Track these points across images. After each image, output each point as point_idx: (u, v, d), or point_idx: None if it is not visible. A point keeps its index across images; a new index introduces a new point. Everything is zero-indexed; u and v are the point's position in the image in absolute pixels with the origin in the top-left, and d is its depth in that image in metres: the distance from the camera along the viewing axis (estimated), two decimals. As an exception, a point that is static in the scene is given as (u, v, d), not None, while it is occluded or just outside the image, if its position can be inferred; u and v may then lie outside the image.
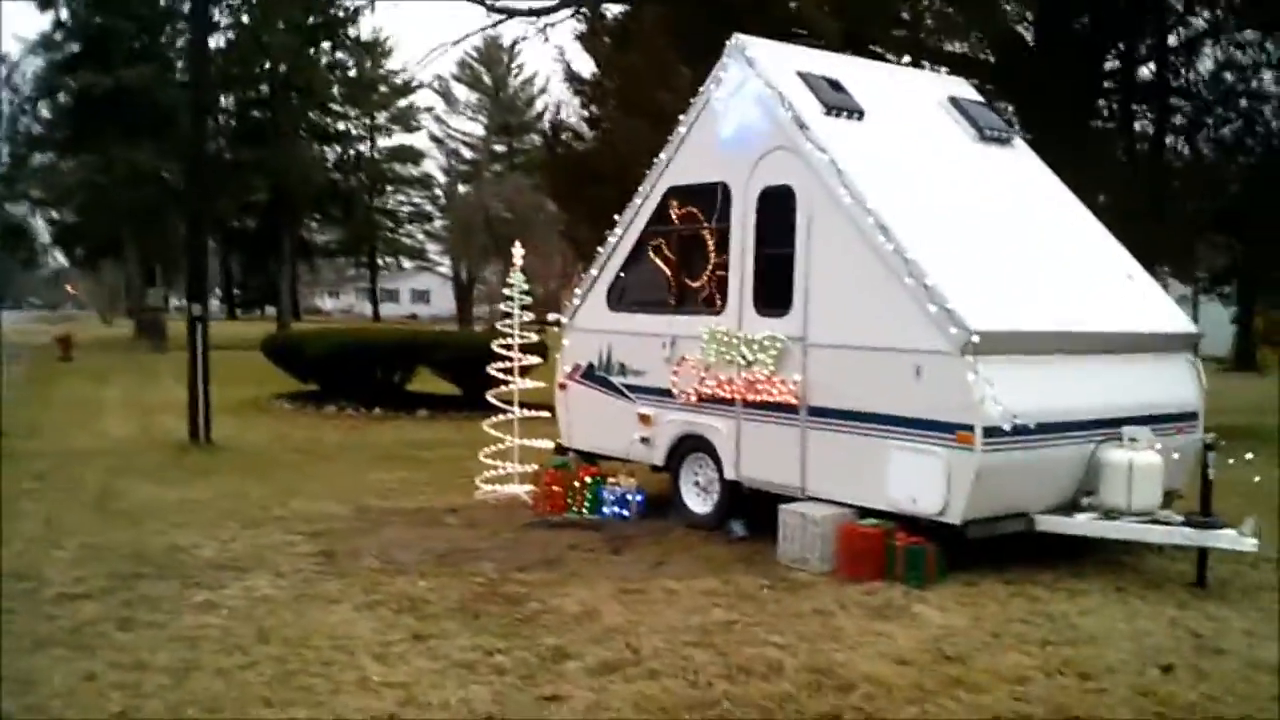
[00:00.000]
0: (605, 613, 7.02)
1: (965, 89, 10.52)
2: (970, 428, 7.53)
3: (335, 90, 48.88)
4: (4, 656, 6.05)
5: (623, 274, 10.53)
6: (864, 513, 8.19)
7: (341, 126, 52.02)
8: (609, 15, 19.39)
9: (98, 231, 45.64)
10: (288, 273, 49.11)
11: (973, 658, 6.14)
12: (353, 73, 50.78)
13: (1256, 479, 9.17)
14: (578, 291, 11.16)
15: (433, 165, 71.53)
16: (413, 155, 71.10)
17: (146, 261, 43.48)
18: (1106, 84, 19.62)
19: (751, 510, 9.19)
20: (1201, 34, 18.42)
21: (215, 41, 44.12)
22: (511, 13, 25.31)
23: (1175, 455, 8.17)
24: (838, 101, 8.97)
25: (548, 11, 23.61)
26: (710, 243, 9.53)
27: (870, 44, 14.50)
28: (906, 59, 16.91)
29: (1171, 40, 18.66)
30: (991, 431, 7.51)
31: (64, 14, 41.17)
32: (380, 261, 74.48)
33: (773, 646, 6.31)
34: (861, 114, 9.07)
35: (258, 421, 18.26)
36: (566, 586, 7.68)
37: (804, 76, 9.05)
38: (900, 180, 8.64)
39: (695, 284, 9.73)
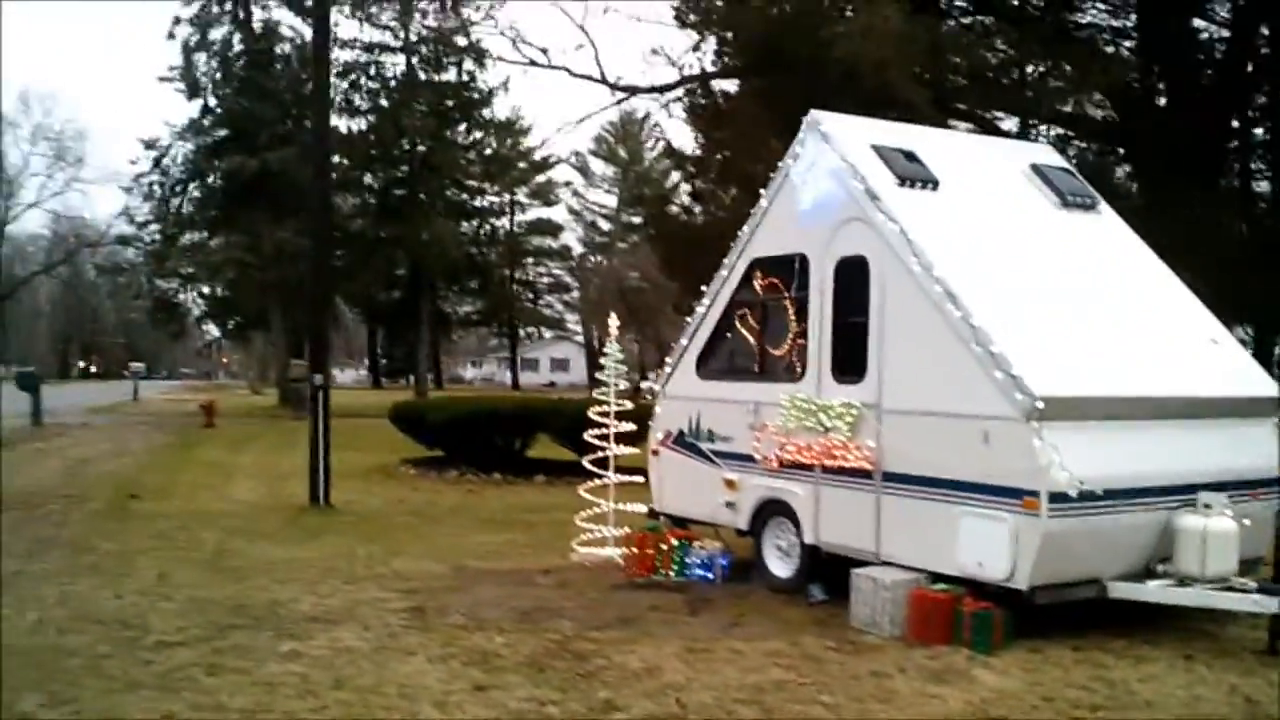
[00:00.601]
0: (666, 670, 7.22)
1: (1050, 156, 10.61)
2: (1036, 493, 7.56)
3: (472, 168, 50.46)
4: (99, 698, 6.53)
5: (710, 343, 10.82)
6: (935, 578, 8.23)
7: (479, 202, 53.58)
8: (713, 92, 19.86)
9: (246, 306, 47.87)
10: (426, 342, 50.65)
11: (1004, 717, 6.17)
12: (489, 151, 52.39)
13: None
14: (669, 360, 11.47)
15: (572, 237, 73.20)
16: (551, 228, 73.02)
17: (291, 334, 45.31)
18: (1232, 143, 19.36)
19: (831, 574, 9.27)
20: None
21: (357, 124, 46.54)
22: (634, 90, 26.12)
23: (1249, 521, 8.01)
24: (911, 172, 9.16)
25: (667, 89, 24.31)
26: (791, 312, 9.77)
27: (969, 112, 14.64)
28: (1014, 123, 16.98)
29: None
30: (1057, 497, 7.52)
31: (211, 100, 43.61)
32: (520, 331, 76.20)
33: (820, 705, 6.44)
34: (936, 184, 9.23)
35: (380, 486, 18.94)
36: (636, 644, 7.90)
37: (878, 149, 9.28)
38: (972, 248, 8.77)
39: (777, 352, 9.97)
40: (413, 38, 45.40)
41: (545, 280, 77.32)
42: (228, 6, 44.14)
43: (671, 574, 10.41)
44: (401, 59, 46.10)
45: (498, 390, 67.96)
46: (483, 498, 17.40)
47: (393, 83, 46.06)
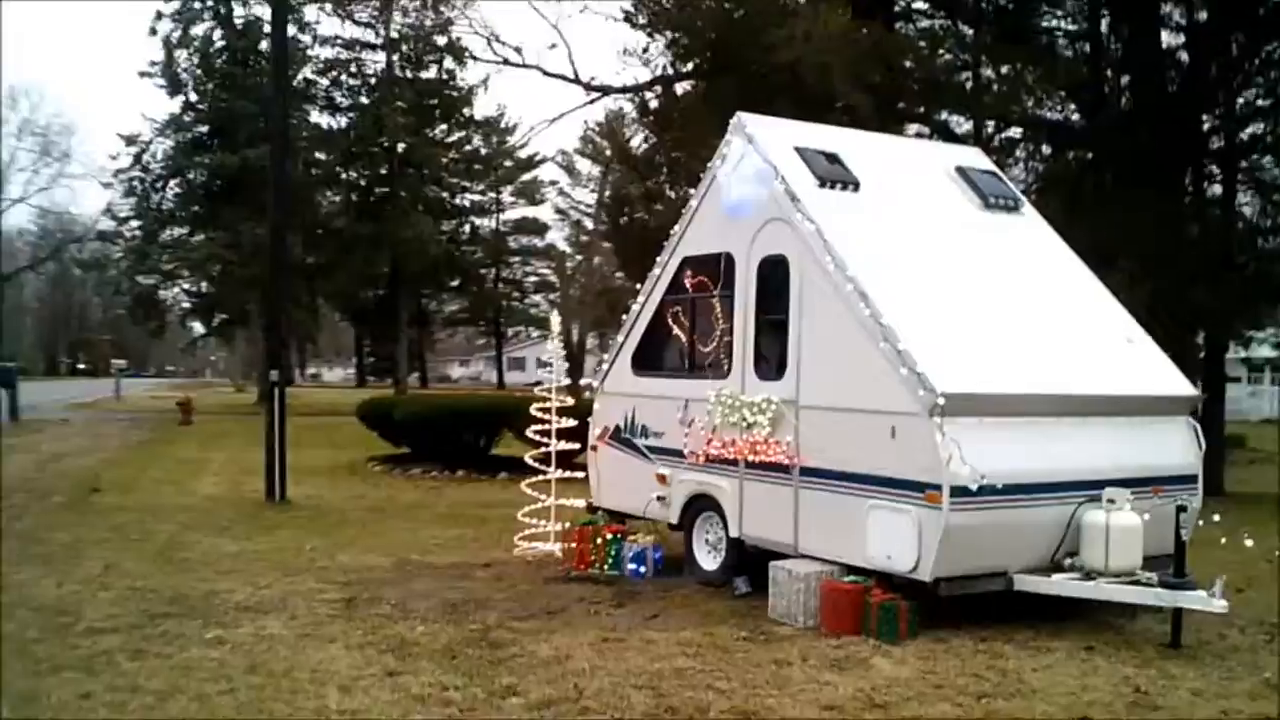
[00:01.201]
0: (576, 658, 7.42)
1: (976, 159, 10.82)
2: (938, 487, 7.77)
3: (452, 166, 50.61)
4: (21, 678, 6.72)
5: (645, 340, 11.02)
6: (849, 570, 8.44)
7: (459, 200, 53.74)
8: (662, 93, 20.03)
9: (228, 302, 47.97)
10: (405, 341, 50.80)
11: (899, 706, 6.39)
12: (470, 149, 52.51)
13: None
14: (605, 357, 11.66)
15: (559, 236, 73.24)
16: (537, 227, 73.02)
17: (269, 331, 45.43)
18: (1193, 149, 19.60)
19: (757, 568, 9.47)
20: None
21: (338, 121, 46.65)
22: (606, 90, 26.28)
23: (1148, 517, 8.17)
24: (832, 174, 9.37)
25: (638, 89, 24.50)
26: (718, 310, 9.97)
27: (917, 115, 14.83)
28: (969, 126, 17.18)
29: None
30: (958, 491, 7.73)
31: (193, 96, 43.70)
32: (507, 330, 76.24)
33: (714, 691, 6.65)
34: (857, 185, 9.44)
35: (344, 482, 19.11)
36: (553, 634, 8.10)
37: (800, 151, 9.48)
38: (888, 248, 8.98)
39: (705, 349, 10.16)
40: (393, 35, 45.46)
41: (532, 280, 77.44)
42: (209, 2, 44.22)
43: (606, 568, 10.61)
44: (382, 56, 46.21)
45: (483, 389, 68.08)
46: (442, 494, 17.57)
47: (373, 80, 46.17)
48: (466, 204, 55.80)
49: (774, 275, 9.30)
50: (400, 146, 46.35)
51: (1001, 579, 8.18)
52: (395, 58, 46.15)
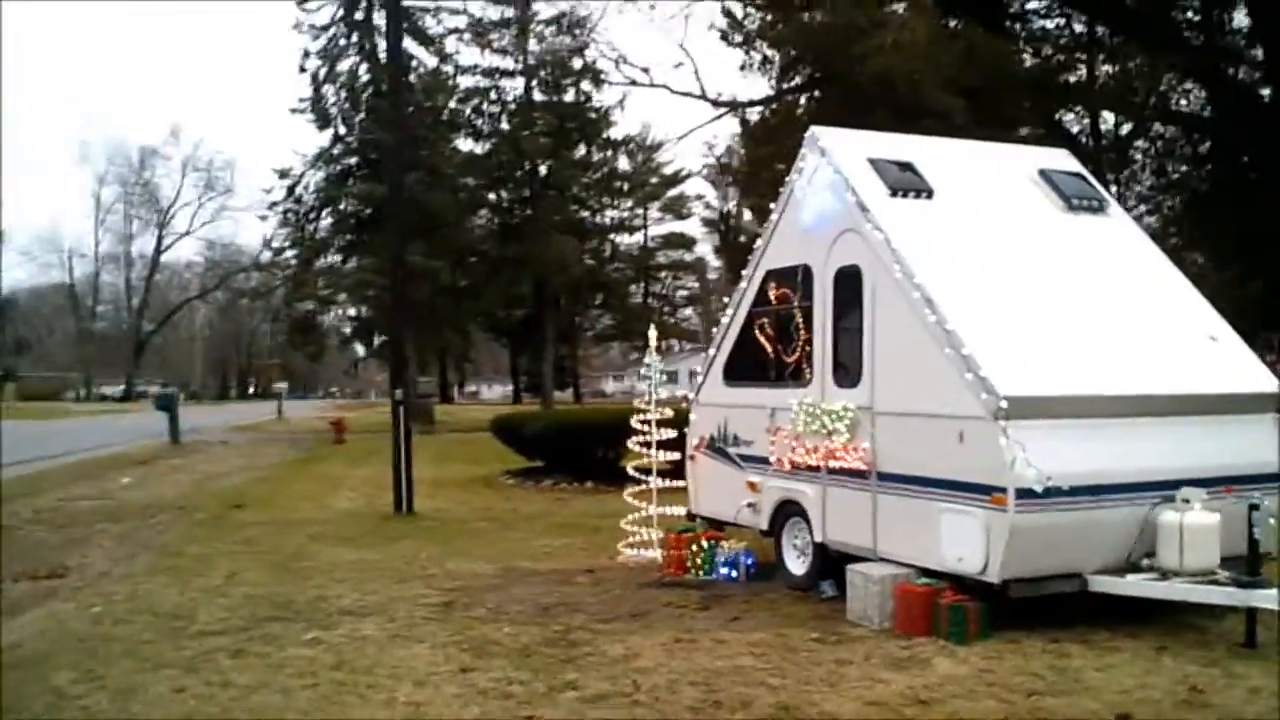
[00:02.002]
0: (644, 657, 7.72)
1: (1061, 160, 10.77)
2: (1003, 490, 7.84)
3: (592, 186, 51.54)
4: (125, 676, 7.34)
5: (734, 351, 11.28)
6: (924, 573, 8.54)
7: (599, 219, 54.72)
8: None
9: (383, 325, 49.78)
10: (550, 358, 51.83)
11: (944, 703, 6.51)
12: (610, 169, 53.39)
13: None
14: (698, 369, 11.94)
15: (707, 249, 73.65)
16: (684, 242, 73.64)
17: (421, 352, 46.89)
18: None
19: (842, 572, 9.62)
20: None
21: (481, 147, 47.98)
22: (732, 105, 26.67)
23: (1272, 517, 8.06)
24: (904, 183, 9.48)
25: (760, 103, 24.79)
26: (799, 320, 10.17)
27: (1013, 118, 14.66)
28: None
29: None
30: (1024, 493, 7.78)
31: (341, 129, 45.52)
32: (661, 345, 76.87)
33: (765, 687, 6.87)
34: (930, 193, 9.54)
35: (474, 495, 19.75)
36: (631, 636, 8.41)
37: (873, 161, 9.63)
38: (960, 255, 9.05)
39: (788, 359, 10.36)
40: (530, 61, 46.55)
41: (682, 294, 78.09)
42: (354, 39, 46.00)
43: (700, 573, 10.89)
44: (520, 82, 47.35)
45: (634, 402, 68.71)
46: (566, 505, 18.03)
47: (512, 106, 47.32)
48: (607, 222, 56.68)
49: (849, 285, 9.47)
50: (541, 169, 47.39)
51: (1076, 580, 8.17)
52: (534, 83, 47.21)
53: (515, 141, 45.95)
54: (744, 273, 11.08)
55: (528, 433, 22.46)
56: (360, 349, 59.81)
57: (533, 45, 46.09)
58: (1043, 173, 10.34)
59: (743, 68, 18.42)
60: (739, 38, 17.97)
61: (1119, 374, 8.48)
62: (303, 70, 45.32)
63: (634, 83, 30.86)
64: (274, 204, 46.90)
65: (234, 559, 12.37)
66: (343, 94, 46.20)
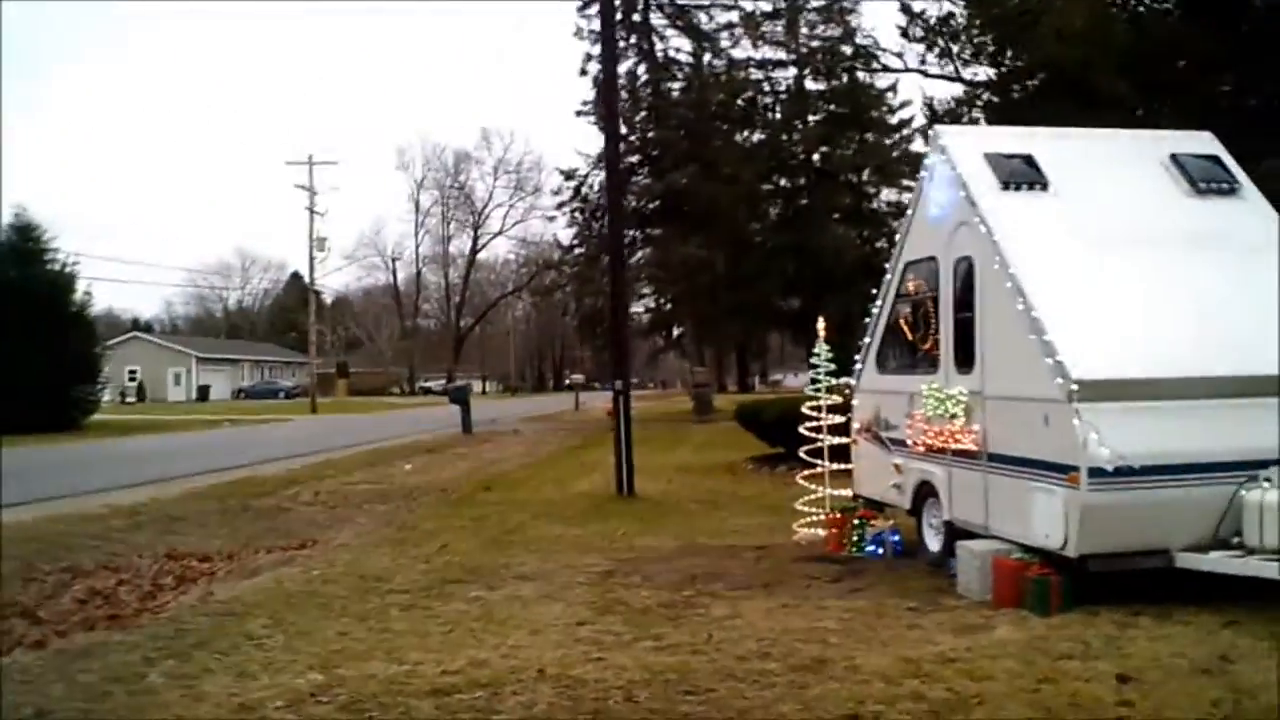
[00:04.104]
0: (742, 617, 8.63)
1: (1198, 144, 10.74)
2: (1076, 468, 8.26)
3: (867, 172, 51.63)
4: (310, 623, 8.90)
5: (884, 340, 11.92)
6: (1025, 549, 9.01)
7: (875, 205, 54.70)
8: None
9: (669, 317, 51.92)
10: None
11: (970, 662, 7.09)
12: (888, 153, 53.26)
13: None
14: (857, 357, 12.61)
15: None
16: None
17: (701, 341, 48.55)
18: None
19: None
20: None
21: (756, 138, 49.02)
22: (988, 85, 26.63)
23: None
24: (1017, 176, 9.88)
25: (996, 87, 24.69)
26: (930, 309, 10.74)
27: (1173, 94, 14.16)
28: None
29: None
30: (1095, 472, 8.18)
31: (623, 129, 47.66)
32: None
33: (821, 644, 7.65)
34: (1045, 184, 9.90)
35: (708, 479, 20.94)
36: (747, 600, 9.31)
37: (989, 156, 10.07)
38: (1064, 243, 9.41)
39: (922, 347, 10.94)
40: (802, 50, 47.18)
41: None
42: (633, 40, 48.13)
43: (854, 550, 11.61)
44: (792, 72, 48.06)
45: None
46: (788, 489, 18.82)
47: (783, 95, 48.12)
48: (884, 208, 56.56)
49: (965, 275, 9.99)
50: (815, 157, 47.99)
51: (1162, 556, 8.46)
52: (805, 71, 47.81)
53: (789, 129, 46.76)
54: (887, 265, 11.68)
55: (765, 419, 23.38)
56: (661, 341, 62.35)
57: (803, 33, 46.67)
58: (1174, 157, 10.43)
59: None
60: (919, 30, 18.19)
61: (1207, 356, 8.65)
62: (584, 74, 47.77)
63: (886, 68, 31.21)
64: (562, 204, 49.71)
65: (456, 533, 13.99)
66: (623, 95, 48.36)
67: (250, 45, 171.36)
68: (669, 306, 52.18)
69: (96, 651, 8.16)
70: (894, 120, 49.24)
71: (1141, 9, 14.66)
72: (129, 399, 79.63)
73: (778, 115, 48.52)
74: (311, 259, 65.45)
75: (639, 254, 50.60)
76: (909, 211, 11.31)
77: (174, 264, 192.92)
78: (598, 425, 42.49)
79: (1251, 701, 6.28)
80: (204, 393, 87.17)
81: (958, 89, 25.26)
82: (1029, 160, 10.10)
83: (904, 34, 18.59)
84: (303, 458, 27.22)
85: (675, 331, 56.21)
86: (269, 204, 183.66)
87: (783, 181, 50.44)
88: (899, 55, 26.12)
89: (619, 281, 19.39)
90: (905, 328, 11.41)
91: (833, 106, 47.25)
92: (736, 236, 47.28)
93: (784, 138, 47.83)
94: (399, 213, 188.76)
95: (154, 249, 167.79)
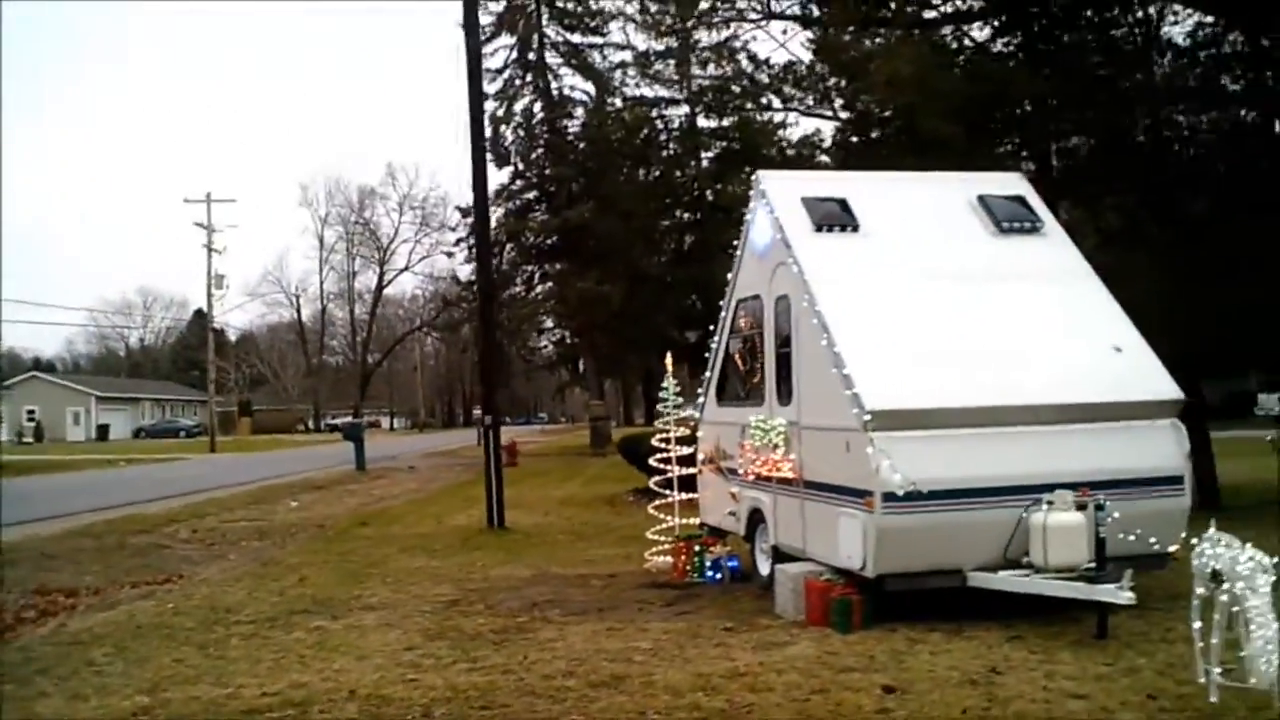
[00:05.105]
0: (566, 640, 9.06)
1: (1006, 185, 11.46)
2: (871, 493, 8.83)
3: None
4: (152, 650, 9.14)
5: (721, 373, 12.48)
6: (836, 570, 9.55)
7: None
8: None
9: (573, 351, 52.42)
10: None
11: (757, 676, 7.62)
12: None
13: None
14: (699, 391, 13.16)
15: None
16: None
17: (599, 374, 49.05)
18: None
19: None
20: None
21: (651, 175, 49.80)
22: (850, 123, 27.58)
23: (1114, 516, 8.64)
24: (830, 218, 10.51)
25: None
26: (756, 344, 11.32)
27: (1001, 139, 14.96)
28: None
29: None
30: (889, 497, 8.75)
31: (520, 165, 48.33)
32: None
33: (628, 663, 8.12)
34: (856, 226, 10.54)
35: (585, 511, 21.42)
36: (577, 625, 9.74)
37: (805, 200, 10.70)
38: (869, 281, 10.03)
39: (751, 380, 11.51)
40: (693, 89, 48.09)
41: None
42: (529, 78, 48.75)
43: (695, 576, 12.10)
44: (685, 109, 48.96)
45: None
46: (659, 521, 19.32)
47: (676, 133, 48.96)
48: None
49: (784, 312, 10.57)
50: (708, 193, 48.86)
51: (955, 576, 9.05)
52: (697, 109, 48.73)
53: (683, 167, 47.60)
54: (722, 302, 12.26)
55: (644, 451, 23.81)
56: (565, 374, 62.67)
57: (695, 72, 47.58)
58: (981, 198, 11.14)
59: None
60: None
61: (1001, 386, 9.29)
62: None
63: (769, 106, 32.10)
64: (459, 240, 50.04)
65: (319, 568, 14.23)
66: (519, 132, 48.92)
67: (153, 76, 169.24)
68: (573, 340, 52.72)
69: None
70: (791, 155, 50.36)
71: (969, 57, 15.45)
72: (26, 439, 78.02)
73: (672, 152, 49.34)
74: (209, 296, 64.86)
75: (538, 289, 51.10)
76: (738, 251, 11.89)
77: (76, 303, 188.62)
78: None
79: (1001, 709, 6.83)
80: (103, 432, 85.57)
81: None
82: (843, 203, 10.74)
83: (750, 79, 19.28)
84: (190, 495, 27.15)
85: (581, 365, 56.69)
86: (170, 241, 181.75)
87: (678, 216, 51.26)
88: (777, 94, 26.83)
89: (489, 318, 19.83)
90: (738, 362, 11.98)
91: (724, 143, 48.12)
92: (633, 271, 47.86)
93: (678, 174, 48.65)
94: (303, 248, 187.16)
95: (55, 288, 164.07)
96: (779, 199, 10.80)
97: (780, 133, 48.57)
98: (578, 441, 56.77)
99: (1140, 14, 16.92)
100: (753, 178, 11.33)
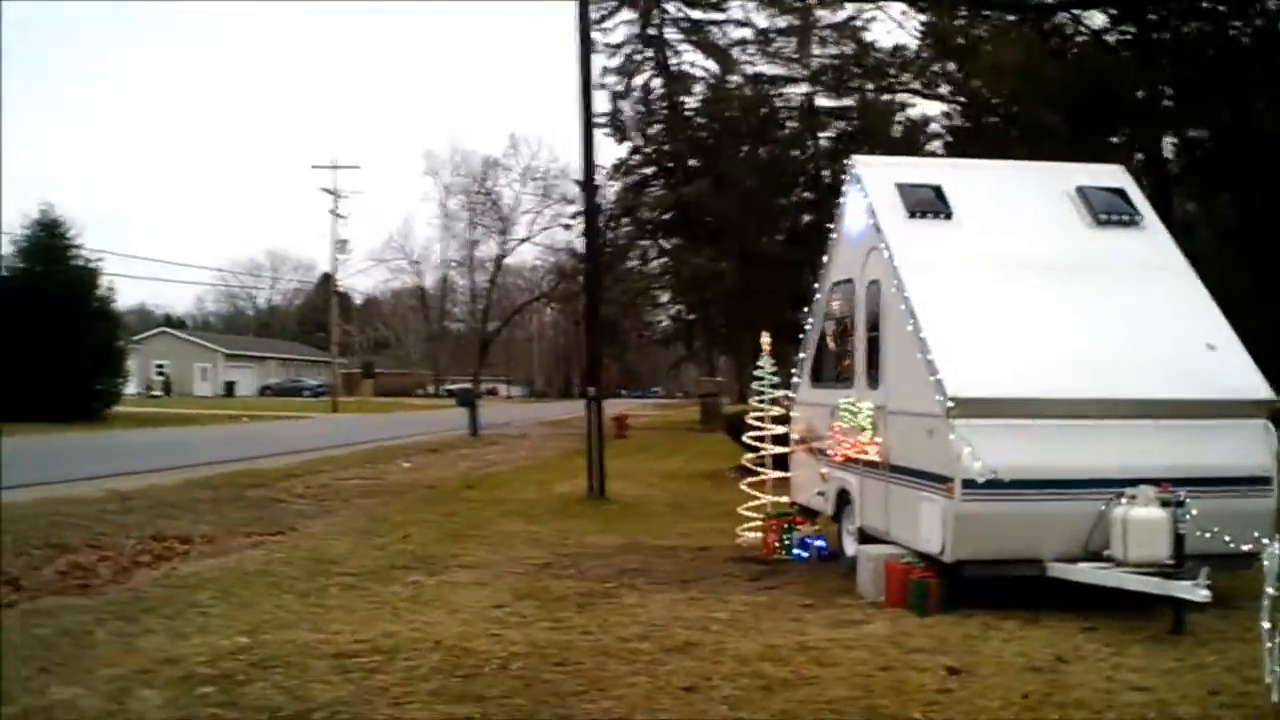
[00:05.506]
0: (648, 607, 9.38)
1: (1105, 177, 11.39)
2: (951, 480, 8.97)
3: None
4: (257, 597, 9.72)
5: (815, 355, 12.66)
6: (918, 555, 9.71)
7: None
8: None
9: (690, 327, 52.79)
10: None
11: (824, 650, 7.83)
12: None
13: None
14: (795, 371, 13.34)
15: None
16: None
17: (710, 352, 49.32)
18: None
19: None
20: None
21: (768, 153, 49.67)
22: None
23: (1192, 513, 8.60)
24: (923, 205, 10.61)
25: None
26: (849, 328, 11.48)
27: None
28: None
29: None
30: (969, 484, 8.88)
31: (639, 141, 48.67)
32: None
33: (702, 631, 8.42)
34: (949, 214, 10.62)
35: (686, 485, 21.81)
36: (659, 593, 10.06)
37: (900, 186, 10.80)
38: (962, 269, 10.11)
39: (844, 363, 11.68)
40: (813, 67, 47.80)
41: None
42: (649, 54, 49.02)
43: (783, 553, 12.34)
44: (804, 87, 48.70)
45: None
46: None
47: (794, 111, 48.76)
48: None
49: (875, 297, 10.72)
50: (825, 173, 48.58)
51: (1036, 565, 9.14)
52: (816, 88, 48.41)
53: (801, 146, 47.44)
54: (816, 285, 12.42)
55: (743, 428, 24.02)
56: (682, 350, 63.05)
57: (815, 51, 47.29)
58: (1079, 189, 11.11)
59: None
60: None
61: (1087, 379, 9.33)
62: (601, 87, 48.58)
63: (890, 88, 31.91)
64: (576, 213, 50.50)
65: (422, 527, 14.78)
66: (638, 107, 49.25)
67: (283, 46, 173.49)
68: (688, 317, 53.02)
69: (59, 613, 9.05)
70: (898, 139, 49.88)
71: (1075, 47, 15.26)
72: (155, 393, 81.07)
73: (789, 131, 49.15)
74: (334, 260, 66.60)
75: (653, 263, 51.52)
76: (833, 235, 12.04)
77: (208, 263, 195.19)
78: (606, 432, 43.28)
79: (1063, 696, 6.96)
80: (230, 389, 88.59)
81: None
82: (937, 190, 10.82)
83: (857, 63, 19.24)
84: (308, 453, 28.15)
85: (695, 342, 57.00)
86: (300, 206, 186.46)
87: (794, 196, 51.08)
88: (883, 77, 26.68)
89: (594, 294, 20.24)
90: (831, 344, 12.15)
91: (843, 123, 47.78)
92: (748, 249, 47.95)
93: (795, 153, 48.46)
94: (427, 216, 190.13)
95: (188, 248, 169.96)
96: (873, 184, 10.93)
97: (900, 114, 48.32)
98: (689, 417, 57.09)
99: (1260, 6, 16.49)
100: (847, 163, 11.44)
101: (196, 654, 7.75)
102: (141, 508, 16.25)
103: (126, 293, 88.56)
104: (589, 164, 19.59)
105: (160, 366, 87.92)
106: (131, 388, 76.08)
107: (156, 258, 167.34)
